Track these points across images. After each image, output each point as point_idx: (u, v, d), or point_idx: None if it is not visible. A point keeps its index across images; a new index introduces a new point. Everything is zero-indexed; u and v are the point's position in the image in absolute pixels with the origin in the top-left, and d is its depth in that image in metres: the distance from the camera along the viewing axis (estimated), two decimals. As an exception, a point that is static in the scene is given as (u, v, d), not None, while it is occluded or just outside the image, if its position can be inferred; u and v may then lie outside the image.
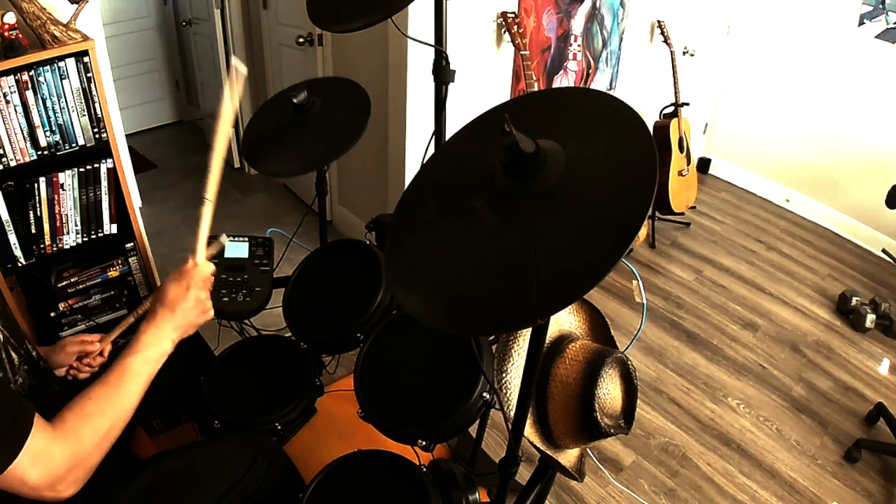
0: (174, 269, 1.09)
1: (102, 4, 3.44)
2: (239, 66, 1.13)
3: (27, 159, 1.80)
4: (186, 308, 1.03)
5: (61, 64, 1.76)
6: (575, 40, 2.84)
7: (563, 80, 2.91)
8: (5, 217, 1.84)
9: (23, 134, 1.77)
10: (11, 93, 1.70)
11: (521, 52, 2.41)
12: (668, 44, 3.13)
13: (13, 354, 1.00)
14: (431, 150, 1.44)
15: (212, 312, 1.09)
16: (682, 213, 3.42)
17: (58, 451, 0.83)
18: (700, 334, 2.72)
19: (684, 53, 3.41)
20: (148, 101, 4.30)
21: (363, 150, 2.25)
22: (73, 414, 0.88)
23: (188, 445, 1.29)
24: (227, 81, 1.12)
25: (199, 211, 1.11)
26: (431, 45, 1.48)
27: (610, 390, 1.11)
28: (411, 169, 2.52)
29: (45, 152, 1.83)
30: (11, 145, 1.76)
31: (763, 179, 3.92)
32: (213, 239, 1.15)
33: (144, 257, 2.17)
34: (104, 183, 1.97)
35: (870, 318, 2.77)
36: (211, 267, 1.10)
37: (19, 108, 1.73)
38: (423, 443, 1.20)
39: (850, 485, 2.08)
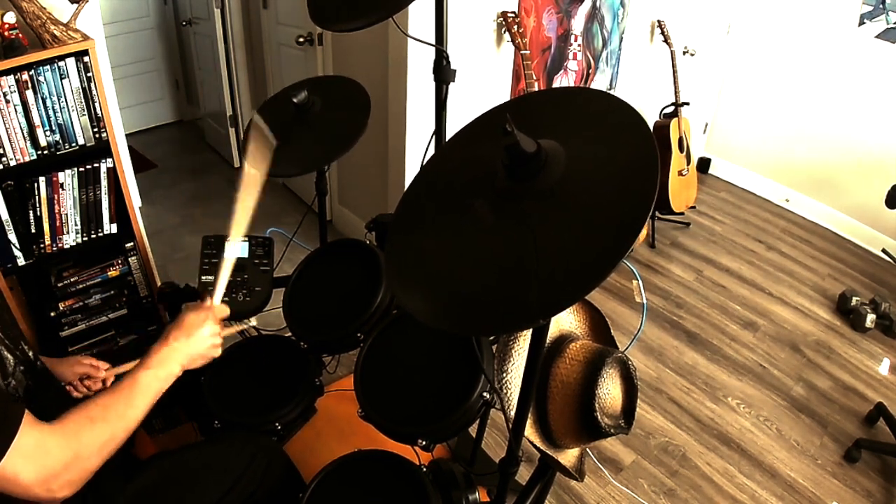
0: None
1: (102, 4, 3.44)
2: (260, 123, 1.13)
3: (27, 159, 1.80)
4: (201, 336, 1.05)
5: (61, 63, 1.76)
6: (575, 40, 2.84)
7: (564, 80, 2.91)
8: (5, 217, 1.83)
9: (23, 133, 1.77)
10: (11, 92, 1.70)
11: (522, 52, 2.41)
12: (668, 43, 3.13)
13: (7, 355, 0.99)
14: (432, 150, 1.44)
15: (220, 350, 1.11)
16: (681, 213, 3.42)
17: (54, 449, 0.83)
18: (700, 334, 2.72)
19: (684, 53, 3.41)
20: (148, 100, 4.30)
21: (363, 150, 2.25)
22: (76, 415, 0.88)
23: (187, 445, 1.29)
24: (250, 141, 1.12)
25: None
26: (432, 45, 1.48)
27: (610, 390, 1.11)
28: (411, 169, 2.52)
29: (45, 152, 1.82)
30: (11, 145, 1.75)
31: (763, 179, 3.92)
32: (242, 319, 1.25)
33: (144, 257, 2.17)
34: (104, 182, 1.96)
35: (870, 318, 2.77)
36: (226, 310, 1.13)
37: (19, 108, 1.73)
38: (423, 443, 1.20)
39: (849, 485, 2.08)
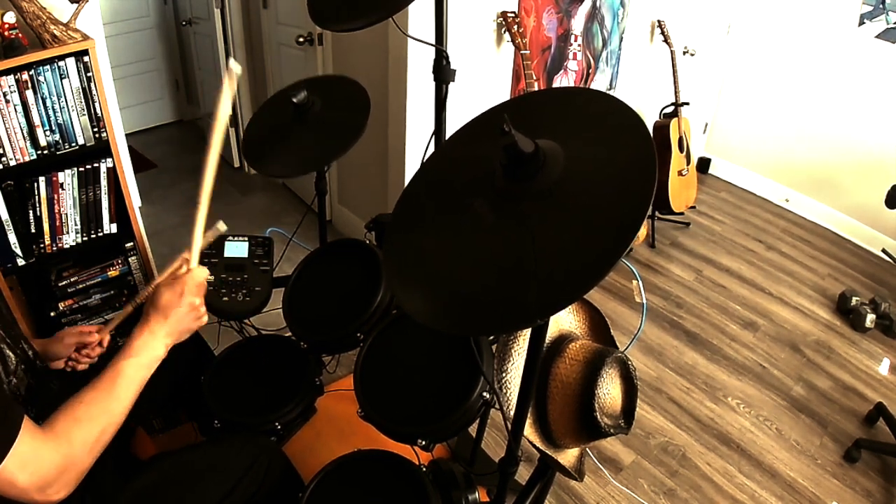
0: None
1: (102, 4, 3.44)
2: (234, 67, 1.11)
3: (27, 159, 1.80)
4: (180, 314, 1.02)
5: (61, 63, 1.76)
6: (575, 40, 2.84)
7: (564, 80, 2.91)
8: (5, 217, 1.84)
9: (22, 133, 1.77)
10: (11, 92, 1.70)
11: (522, 52, 2.41)
12: (668, 43, 3.13)
13: (9, 354, 1.00)
14: (431, 150, 1.44)
15: (206, 318, 1.07)
16: (681, 213, 3.42)
17: (48, 455, 0.82)
18: (700, 334, 2.72)
19: (684, 53, 3.41)
20: (148, 100, 4.30)
21: (363, 150, 2.24)
22: (63, 418, 0.87)
23: (187, 446, 1.29)
24: (225, 83, 1.10)
25: (195, 211, 1.10)
26: (432, 45, 1.48)
27: (610, 390, 1.11)
28: (411, 168, 2.52)
29: (45, 152, 1.83)
30: (11, 145, 1.76)
31: (763, 179, 3.92)
32: (209, 227, 1.11)
33: (144, 257, 2.17)
34: (104, 182, 1.97)
35: (870, 318, 2.77)
36: (205, 272, 1.08)
37: (19, 108, 1.73)
38: (423, 443, 1.20)
39: (849, 485, 2.08)
